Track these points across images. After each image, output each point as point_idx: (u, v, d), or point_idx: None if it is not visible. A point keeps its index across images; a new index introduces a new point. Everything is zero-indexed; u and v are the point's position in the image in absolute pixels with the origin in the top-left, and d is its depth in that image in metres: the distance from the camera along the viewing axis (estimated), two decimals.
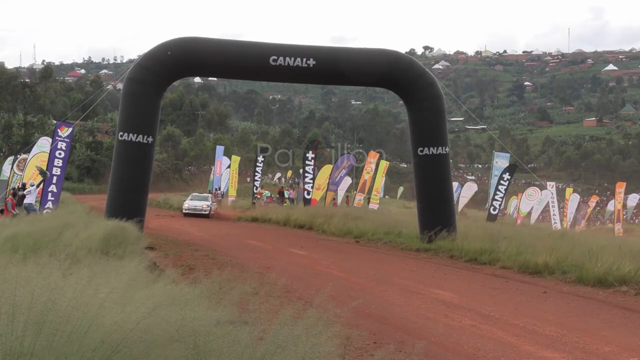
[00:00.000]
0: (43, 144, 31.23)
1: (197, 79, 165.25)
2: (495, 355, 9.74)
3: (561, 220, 47.81)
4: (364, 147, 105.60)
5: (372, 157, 46.51)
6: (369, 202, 45.79)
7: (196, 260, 18.58)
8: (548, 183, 50.76)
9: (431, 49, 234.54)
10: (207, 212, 41.47)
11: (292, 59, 22.87)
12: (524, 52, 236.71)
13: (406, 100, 24.67)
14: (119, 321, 5.43)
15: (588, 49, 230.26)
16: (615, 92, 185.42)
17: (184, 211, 42.19)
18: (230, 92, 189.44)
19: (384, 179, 51.36)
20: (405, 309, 13.37)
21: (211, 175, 56.74)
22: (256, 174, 48.23)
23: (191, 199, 43.90)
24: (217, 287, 8.12)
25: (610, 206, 59.68)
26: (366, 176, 45.28)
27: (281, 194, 56.25)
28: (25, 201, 26.12)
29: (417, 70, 24.30)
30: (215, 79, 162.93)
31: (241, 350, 5.75)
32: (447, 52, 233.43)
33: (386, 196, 61.38)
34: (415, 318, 12.36)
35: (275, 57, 22.82)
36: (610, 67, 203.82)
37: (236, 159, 53.38)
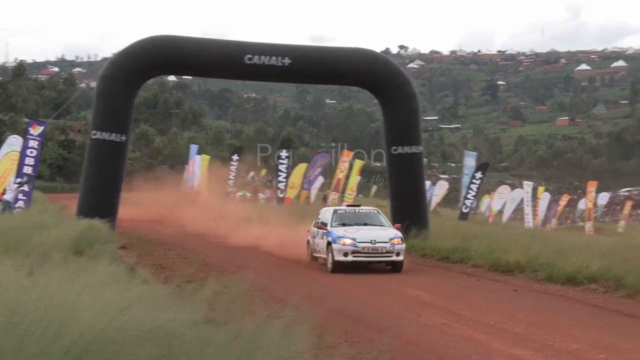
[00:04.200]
0: (12, 142, 30.81)
1: (172, 78, 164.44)
2: (466, 353, 9.83)
3: (533, 219, 48.17)
4: (339, 146, 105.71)
5: (346, 155, 46.58)
6: (342, 201, 45.85)
7: (168, 259, 18.58)
8: (525, 182, 51.15)
9: (406, 48, 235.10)
10: (400, 257, 18.16)
11: (267, 57, 22.86)
12: (498, 51, 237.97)
13: (381, 99, 24.78)
14: (91, 321, 5.44)
15: (563, 48, 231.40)
16: (588, 92, 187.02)
17: (335, 258, 17.99)
18: (204, 90, 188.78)
19: (359, 177, 51.46)
20: (377, 307, 13.46)
21: (185, 174, 56.53)
22: (230, 172, 48.11)
23: (343, 222, 19.27)
24: (190, 286, 8.15)
25: (581, 205, 60.21)
26: (340, 175, 45.34)
27: (256, 192, 56.18)
28: (5, 197, 25.91)
29: (392, 69, 24.42)
30: (189, 77, 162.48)
31: (215, 350, 5.77)
32: (422, 52, 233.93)
33: (360, 195, 61.47)
34: (387, 316, 12.46)
35: (250, 56, 22.81)
36: (583, 66, 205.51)
37: (206, 157, 53.18)
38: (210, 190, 46.93)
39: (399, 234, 18.52)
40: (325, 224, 19.14)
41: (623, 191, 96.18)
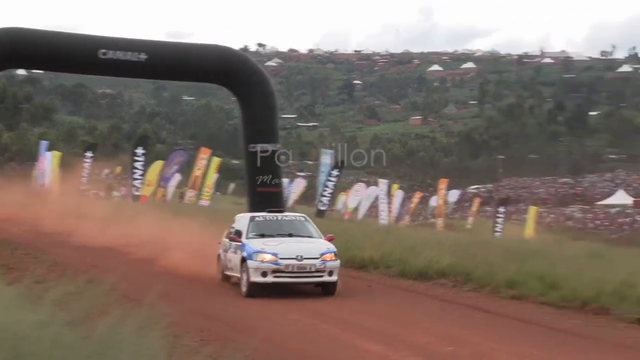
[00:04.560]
0: None
1: (21, 71, 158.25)
2: (322, 349, 10.01)
3: (387, 216, 49.33)
4: (196, 143, 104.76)
5: (204, 153, 46.26)
6: (199, 199, 45.54)
7: (16, 259, 17.86)
8: (380, 180, 52.26)
9: (264, 46, 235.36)
10: (333, 278, 14.75)
11: (123, 52, 22.25)
12: (354, 51, 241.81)
13: (239, 96, 24.67)
14: None
15: (416, 49, 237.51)
16: (440, 92, 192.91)
17: (251, 279, 14.47)
18: (57, 85, 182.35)
19: (216, 175, 51.22)
20: (234, 306, 13.50)
21: (34, 171, 54.55)
22: (83, 169, 46.85)
23: (262, 233, 15.82)
24: (39, 287, 7.90)
25: (433, 202, 62.18)
26: (197, 172, 44.99)
27: (110, 190, 54.92)
28: None
29: (250, 67, 24.38)
30: (41, 71, 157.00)
31: (65, 351, 5.63)
32: (281, 50, 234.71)
33: (217, 192, 61.23)
34: (240, 315, 12.52)
35: (105, 51, 22.16)
36: (435, 67, 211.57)
37: (57, 154, 51.49)
38: (62, 188, 45.53)
39: (332, 247, 15.04)
40: (240, 235, 15.61)
41: (472, 188, 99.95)
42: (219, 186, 65.51)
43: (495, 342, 10.54)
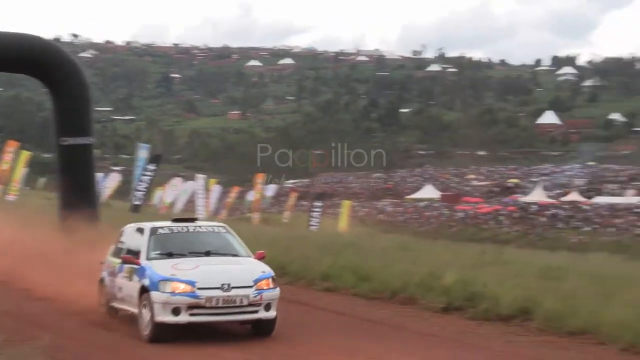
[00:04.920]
0: None
1: None
2: (136, 347, 9.89)
3: (204, 210, 49.17)
4: (3, 136, 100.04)
5: (11, 146, 44.21)
6: (6, 194, 43.53)
7: None
8: (197, 175, 51.98)
9: (78, 37, 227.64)
10: (271, 313, 10.92)
11: None
12: (173, 44, 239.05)
13: (50, 88, 23.89)
14: None
15: (235, 44, 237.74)
16: (258, 87, 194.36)
17: (157, 318, 10.40)
18: None
19: (26, 169, 49.11)
20: (48, 306, 13.10)
21: None
22: None
23: (169, 251, 11.45)
24: None
25: (250, 196, 62.45)
26: (4, 166, 42.97)
27: None
28: None
29: (62, 57, 23.65)
30: None
31: None
32: (96, 41, 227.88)
33: (27, 187, 58.70)
34: (55, 315, 12.18)
35: None
36: (254, 62, 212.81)
37: None
38: None
39: (269, 270, 11.21)
40: (137, 254, 11.40)
41: (288, 183, 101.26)
42: (29, 180, 62.85)
43: (308, 334, 10.80)
